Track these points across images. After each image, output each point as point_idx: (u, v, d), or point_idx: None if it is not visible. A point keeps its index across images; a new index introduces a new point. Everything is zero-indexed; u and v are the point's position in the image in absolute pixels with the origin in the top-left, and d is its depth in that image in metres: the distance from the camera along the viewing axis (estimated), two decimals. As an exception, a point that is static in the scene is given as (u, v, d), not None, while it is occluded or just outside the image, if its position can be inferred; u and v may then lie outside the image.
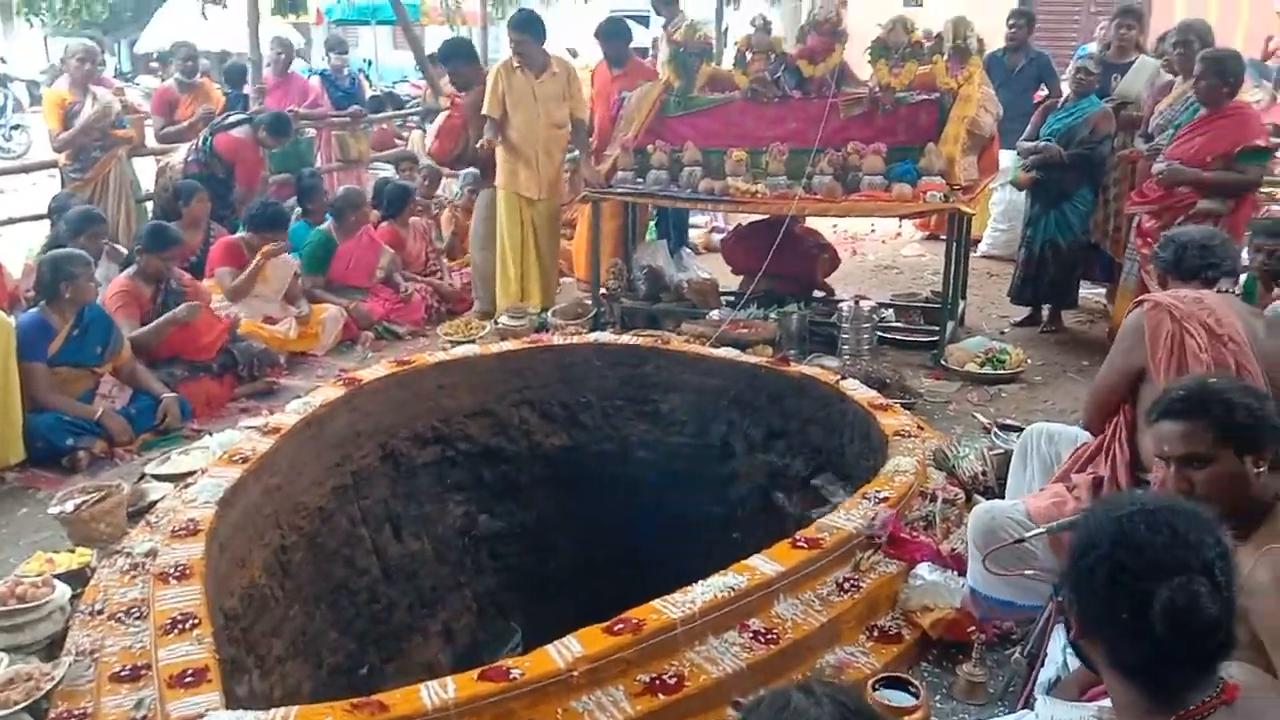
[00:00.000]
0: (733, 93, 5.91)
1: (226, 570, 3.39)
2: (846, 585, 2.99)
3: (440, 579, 4.90)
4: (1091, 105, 5.74)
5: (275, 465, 3.91)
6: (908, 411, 4.37)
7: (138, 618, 2.89)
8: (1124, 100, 5.90)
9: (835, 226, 8.21)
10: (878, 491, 3.41)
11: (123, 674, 2.64)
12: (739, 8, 9.61)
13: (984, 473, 3.70)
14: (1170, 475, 2.11)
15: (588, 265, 6.43)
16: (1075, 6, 13.08)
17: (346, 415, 4.47)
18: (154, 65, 15.47)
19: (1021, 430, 3.66)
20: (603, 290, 6.06)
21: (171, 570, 3.00)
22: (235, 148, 6.63)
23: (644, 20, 11.81)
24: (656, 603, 2.74)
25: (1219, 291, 3.00)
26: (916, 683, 2.55)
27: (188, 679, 2.49)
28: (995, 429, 4.16)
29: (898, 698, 2.49)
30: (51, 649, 2.85)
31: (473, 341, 5.50)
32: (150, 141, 7.49)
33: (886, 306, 6.00)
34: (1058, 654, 2.28)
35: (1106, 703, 1.65)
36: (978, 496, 3.58)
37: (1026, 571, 2.59)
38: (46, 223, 6.10)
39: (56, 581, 3.02)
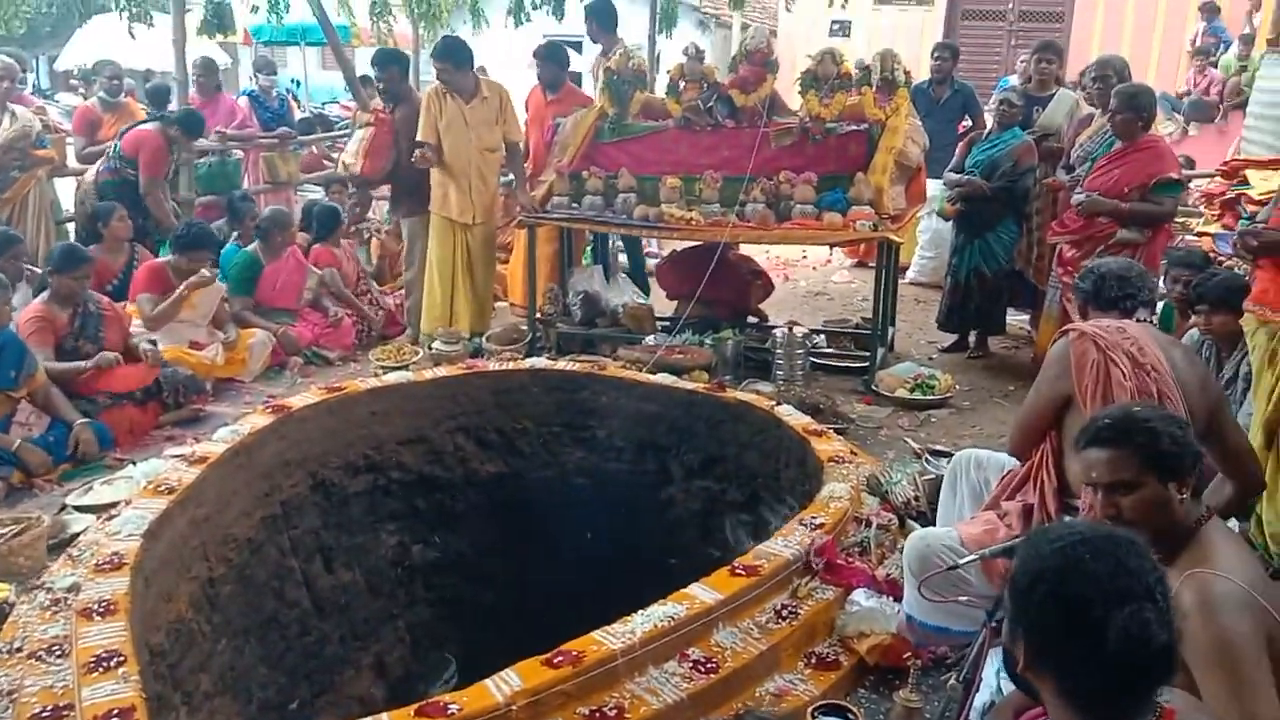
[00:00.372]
0: (666, 120, 5.97)
1: (152, 605, 3.29)
2: (785, 612, 3.01)
3: (373, 611, 4.81)
4: (1014, 137, 5.89)
5: (202, 496, 3.82)
6: (841, 437, 4.44)
7: (59, 655, 2.78)
8: (1045, 132, 6.08)
9: (768, 253, 8.31)
10: (813, 517, 3.44)
11: (43, 715, 2.53)
12: (671, 36, 9.72)
13: (916, 498, 3.77)
14: (1098, 501, 2.17)
15: (524, 290, 6.41)
16: (996, 40, 13.51)
17: (275, 444, 4.39)
18: (74, 83, 15.07)
19: (951, 456, 3.74)
20: (538, 315, 6.05)
21: (95, 606, 2.91)
22: (138, 140, 6.39)
23: (577, 46, 11.88)
24: (596, 634, 2.73)
25: (1138, 321, 3.10)
26: (855, 710, 2.57)
27: (114, 719, 2.41)
28: (926, 455, 4.24)
29: (837, 726, 2.51)
30: (-35, 691, 2.73)
31: (406, 368, 5.44)
32: (71, 161, 7.28)
33: (818, 332, 6.08)
34: (992, 678, 2.33)
35: (1041, 727, 1.69)
36: (911, 522, 3.64)
37: (961, 598, 2.63)
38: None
39: (-29, 619, 2.91)
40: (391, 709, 2.50)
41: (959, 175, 5.97)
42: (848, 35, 13.74)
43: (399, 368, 5.45)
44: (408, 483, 4.94)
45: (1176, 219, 6.06)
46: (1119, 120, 4.91)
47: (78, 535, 3.54)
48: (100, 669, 2.61)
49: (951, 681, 2.41)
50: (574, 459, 5.09)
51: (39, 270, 5.53)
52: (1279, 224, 3.53)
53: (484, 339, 5.92)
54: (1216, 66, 11.55)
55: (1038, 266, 6.09)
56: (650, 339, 5.65)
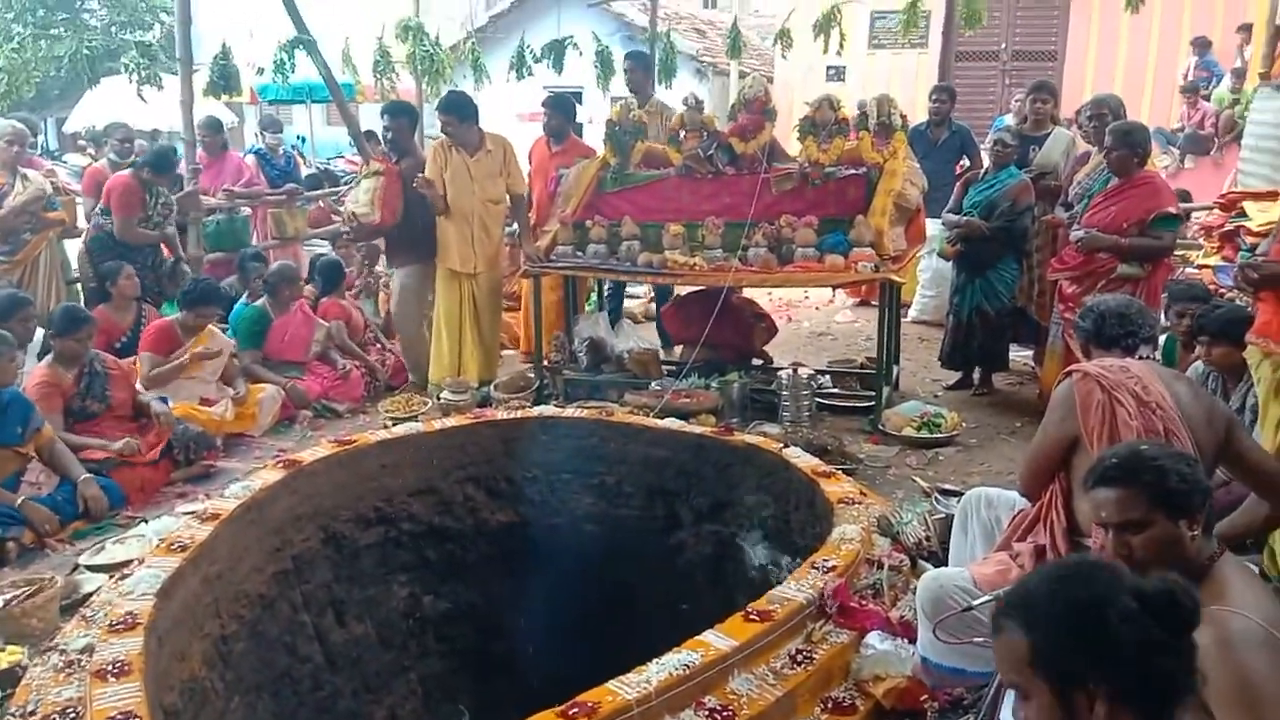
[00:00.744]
0: (668, 169, 6.05)
1: (166, 664, 3.28)
2: (800, 657, 3.00)
3: (385, 663, 4.79)
4: (1011, 177, 5.95)
5: (214, 553, 3.83)
6: (849, 477, 4.44)
7: (74, 719, 2.78)
8: (1042, 171, 6.14)
9: (770, 295, 8.36)
10: (825, 560, 3.44)
11: (59, 780, 2.54)
12: (671, 86, 9.86)
13: (927, 538, 3.76)
14: (1109, 540, 2.18)
15: (530, 338, 6.46)
16: (990, 80, 13.65)
17: (286, 498, 4.40)
18: (83, 144, 15.27)
19: (961, 495, 3.73)
20: (545, 363, 6.08)
21: (109, 667, 2.90)
22: (109, 188, 6.47)
23: (578, 97, 12.05)
24: (611, 684, 2.72)
25: (1140, 358, 3.12)
26: (873, 754, 2.56)
27: (129, 781, 2.41)
28: (936, 494, 4.24)
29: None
30: (-20, 757, 2.74)
31: (415, 419, 5.46)
32: (81, 222, 7.35)
33: (823, 373, 6.11)
34: (1009, 719, 2.32)
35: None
36: (923, 562, 3.63)
37: (976, 639, 2.62)
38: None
39: (-15, 684, 2.91)
40: (408, 764, 2.49)
41: (957, 216, 6.03)
42: (843, 80, 13.89)
43: (408, 418, 5.47)
44: (418, 534, 4.94)
45: (1176, 252, 6.10)
46: (1114, 157, 4.97)
47: (90, 595, 3.54)
48: (116, 731, 2.60)
49: (969, 724, 2.41)
50: (584, 506, 5.09)
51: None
52: None
53: (492, 387, 5.96)
54: (1209, 100, 11.67)
55: (1039, 303, 6.12)
56: (656, 384, 5.68)
